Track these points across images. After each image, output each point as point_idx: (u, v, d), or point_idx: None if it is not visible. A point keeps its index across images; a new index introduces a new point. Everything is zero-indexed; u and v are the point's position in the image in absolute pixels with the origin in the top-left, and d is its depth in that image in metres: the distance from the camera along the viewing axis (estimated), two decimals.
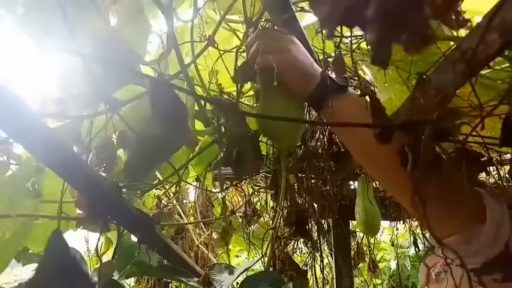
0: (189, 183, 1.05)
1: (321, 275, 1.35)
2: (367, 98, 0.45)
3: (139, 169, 0.71)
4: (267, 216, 1.49)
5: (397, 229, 2.08)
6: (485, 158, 0.61)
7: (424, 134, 0.47)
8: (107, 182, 0.68)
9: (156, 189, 1.28)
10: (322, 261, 1.39)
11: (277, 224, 0.89)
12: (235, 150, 0.70)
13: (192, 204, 1.60)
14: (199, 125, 0.78)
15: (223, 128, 0.66)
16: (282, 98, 0.63)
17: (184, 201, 1.69)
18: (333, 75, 0.63)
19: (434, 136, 0.48)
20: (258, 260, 1.06)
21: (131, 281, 2.04)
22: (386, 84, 0.80)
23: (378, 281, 3.07)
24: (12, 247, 0.64)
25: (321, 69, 0.64)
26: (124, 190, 0.72)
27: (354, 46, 0.79)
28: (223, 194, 1.43)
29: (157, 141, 0.65)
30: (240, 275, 0.78)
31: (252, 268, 0.99)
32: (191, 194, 1.69)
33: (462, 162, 0.65)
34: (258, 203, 1.54)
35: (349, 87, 0.63)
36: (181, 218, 1.48)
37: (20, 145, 0.61)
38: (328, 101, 0.61)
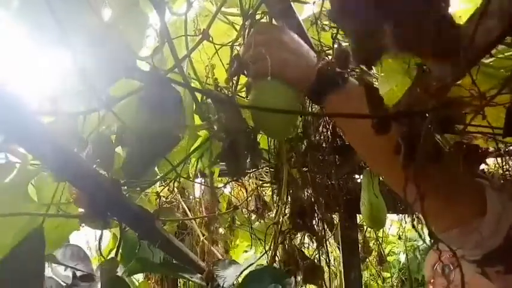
0: (186, 179, 1.04)
1: (328, 269, 1.34)
2: (364, 87, 0.44)
3: (138, 166, 0.71)
4: (273, 211, 1.49)
5: (405, 222, 2.06)
6: (483, 150, 0.60)
7: (424, 124, 0.45)
8: (106, 179, 0.68)
9: (160, 185, 1.28)
10: (328, 254, 1.38)
11: (280, 219, 0.88)
12: (231, 144, 0.70)
13: (198, 200, 1.60)
14: (198, 120, 0.78)
15: (218, 122, 0.66)
16: (274, 89, 0.62)
17: (191, 197, 1.69)
18: (331, 69, 0.61)
19: (437, 126, 0.47)
20: (261, 256, 1.06)
21: (140, 277, 2.06)
22: (383, 75, 0.79)
23: (388, 275, 3.05)
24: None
25: (318, 63, 0.63)
26: (124, 187, 0.72)
27: None
28: (224, 189, 1.43)
29: (154, 137, 0.64)
30: (244, 270, 0.78)
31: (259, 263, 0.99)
32: (197, 191, 1.69)
33: (460, 154, 0.64)
34: (267, 198, 1.53)
35: (349, 79, 0.62)
36: (186, 214, 1.48)
37: (17, 144, 0.61)
38: (326, 96, 0.60)
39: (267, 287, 0.60)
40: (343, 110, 0.61)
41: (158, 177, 0.81)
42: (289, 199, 1.10)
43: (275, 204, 1.14)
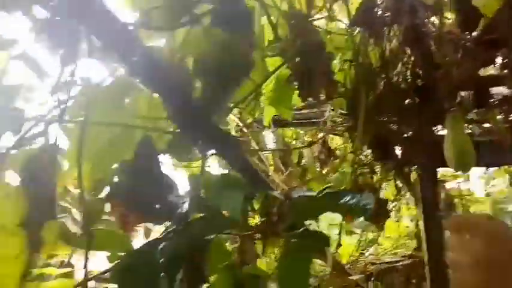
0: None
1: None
2: None
3: (216, 93, 0.75)
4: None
5: (493, 178, 1.92)
6: None
7: None
8: (195, 103, 0.72)
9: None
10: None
11: (356, 146, 0.88)
12: (306, 68, 0.70)
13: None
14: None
15: (292, 43, 0.67)
16: None
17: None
18: None
19: None
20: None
21: None
22: None
23: None
24: (111, 157, 0.70)
25: None
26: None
27: None
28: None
29: (228, 63, 0.67)
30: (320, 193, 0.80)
31: None
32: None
33: None
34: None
35: None
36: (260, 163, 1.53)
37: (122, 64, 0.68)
38: None
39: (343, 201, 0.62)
40: None
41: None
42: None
43: (349, 140, 1.11)
